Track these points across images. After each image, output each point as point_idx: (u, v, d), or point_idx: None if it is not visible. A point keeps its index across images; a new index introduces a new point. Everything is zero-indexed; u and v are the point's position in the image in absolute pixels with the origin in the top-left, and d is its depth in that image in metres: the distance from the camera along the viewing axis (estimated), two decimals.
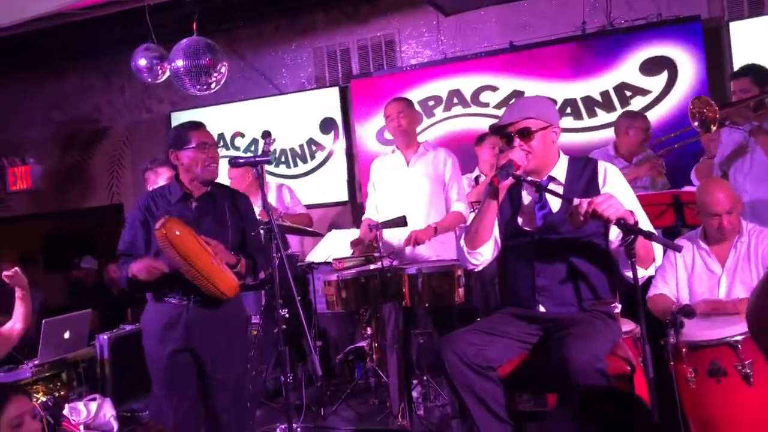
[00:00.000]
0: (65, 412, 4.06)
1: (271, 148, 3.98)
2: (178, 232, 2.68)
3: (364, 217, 4.33)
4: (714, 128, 3.42)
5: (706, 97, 3.54)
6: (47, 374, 4.24)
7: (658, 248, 2.41)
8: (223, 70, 4.64)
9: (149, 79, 5.24)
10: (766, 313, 1.15)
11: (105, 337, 4.51)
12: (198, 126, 3.05)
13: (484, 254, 2.62)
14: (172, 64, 4.56)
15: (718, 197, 3.02)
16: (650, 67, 5.45)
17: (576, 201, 2.27)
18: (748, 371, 2.62)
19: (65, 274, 7.74)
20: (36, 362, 4.19)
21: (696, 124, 3.48)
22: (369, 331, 4.67)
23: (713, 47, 5.35)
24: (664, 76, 5.42)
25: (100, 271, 7.21)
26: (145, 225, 2.95)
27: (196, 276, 2.75)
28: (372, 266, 3.66)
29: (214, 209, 3.02)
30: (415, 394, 4.21)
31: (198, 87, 4.56)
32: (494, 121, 4.34)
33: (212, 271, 2.76)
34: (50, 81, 7.76)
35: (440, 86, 6.09)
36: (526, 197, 2.64)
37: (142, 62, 5.15)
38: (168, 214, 2.84)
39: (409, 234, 3.82)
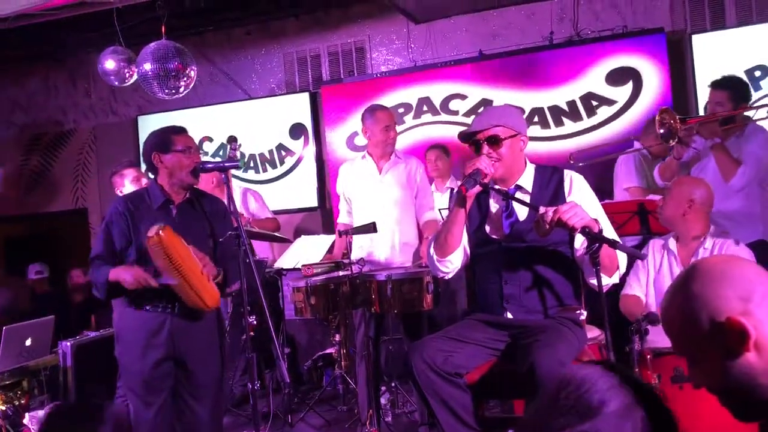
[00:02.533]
0: (26, 421, 3.97)
1: (237, 154, 3.96)
2: (172, 242, 2.66)
3: (338, 221, 4.31)
4: (672, 143, 3.51)
5: (672, 112, 3.60)
6: (7, 382, 4.14)
7: (622, 256, 2.45)
8: (192, 74, 4.60)
9: (116, 83, 5.17)
10: (669, 318, 1.19)
11: (68, 344, 4.41)
12: (182, 130, 3.04)
13: (454, 262, 2.65)
14: (140, 68, 4.51)
15: (673, 196, 3.16)
16: (616, 77, 5.56)
17: (542, 209, 2.30)
18: None
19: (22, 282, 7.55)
20: None
21: (662, 131, 3.56)
22: (338, 337, 4.66)
23: (676, 59, 5.48)
24: (629, 87, 5.53)
25: (59, 278, 7.04)
26: (124, 230, 2.91)
27: (183, 286, 2.73)
28: (341, 272, 3.65)
29: (194, 217, 3.00)
30: (383, 401, 4.21)
31: (166, 91, 4.51)
32: (463, 128, 4.37)
33: (200, 283, 2.76)
34: (12, 82, 7.60)
35: (410, 93, 6.12)
36: (494, 206, 2.66)
37: (110, 65, 5.08)
38: (148, 220, 2.82)
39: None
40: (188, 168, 2.93)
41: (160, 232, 2.63)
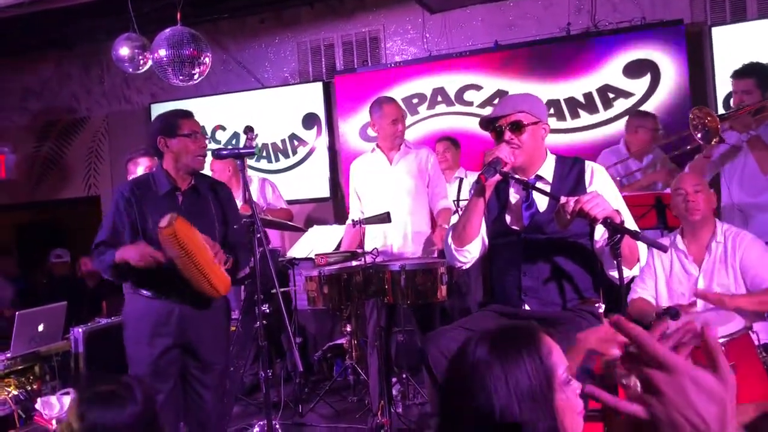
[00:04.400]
0: (37, 406, 3.96)
1: (254, 143, 3.93)
2: (185, 231, 2.64)
3: (348, 222, 4.26)
4: (715, 141, 3.44)
5: (706, 108, 3.54)
6: (20, 367, 4.14)
7: (642, 248, 2.41)
8: (207, 60, 4.57)
9: (130, 70, 5.15)
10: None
11: (80, 330, 4.40)
12: (188, 114, 3.02)
13: (472, 252, 2.61)
14: (155, 54, 4.48)
15: (684, 177, 3.15)
16: (633, 69, 5.49)
17: (563, 199, 2.26)
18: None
19: (41, 267, 7.59)
20: (8, 355, 4.09)
21: (699, 135, 3.48)
22: (349, 328, 4.65)
23: (695, 51, 5.41)
24: (647, 79, 5.46)
25: (72, 264, 7.08)
26: (130, 216, 2.88)
27: (195, 274, 2.71)
28: (354, 263, 3.63)
29: (199, 204, 2.98)
30: (394, 391, 4.19)
31: (181, 77, 4.48)
32: (478, 119, 4.33)
33: (212, 270, 2.74)
34: (26, 69, 7.61)
35: (425, 84, 6.07)
36: (514, 196, 2.62)
37: (124, 52, 5.06)
38: (155, 207, 2.80)
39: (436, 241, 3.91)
40: (194, 153, 2.91)
41: (173, 222, 2.61)
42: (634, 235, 2.20)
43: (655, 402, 0.83)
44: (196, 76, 4.55)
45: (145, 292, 2.92)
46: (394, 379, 4.26)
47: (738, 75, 3.80)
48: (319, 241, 4.83)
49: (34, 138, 7.66)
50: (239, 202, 3.52)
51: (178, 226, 2.61)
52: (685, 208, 3.09)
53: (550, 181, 2.55)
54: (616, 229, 2.19)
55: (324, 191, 6.50)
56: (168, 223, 2.61)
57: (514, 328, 1.28)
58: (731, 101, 4.14)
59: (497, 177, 2.41)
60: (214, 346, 3.00)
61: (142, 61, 5.06)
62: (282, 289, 4.88)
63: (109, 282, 3.13)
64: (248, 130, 3.95)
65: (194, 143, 2.92)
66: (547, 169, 2.58)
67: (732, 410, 0.82)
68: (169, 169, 2.95)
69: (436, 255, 3.95)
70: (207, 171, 5.02)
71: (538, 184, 2.52)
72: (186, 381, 3.00)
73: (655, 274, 3.20)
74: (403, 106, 5.90)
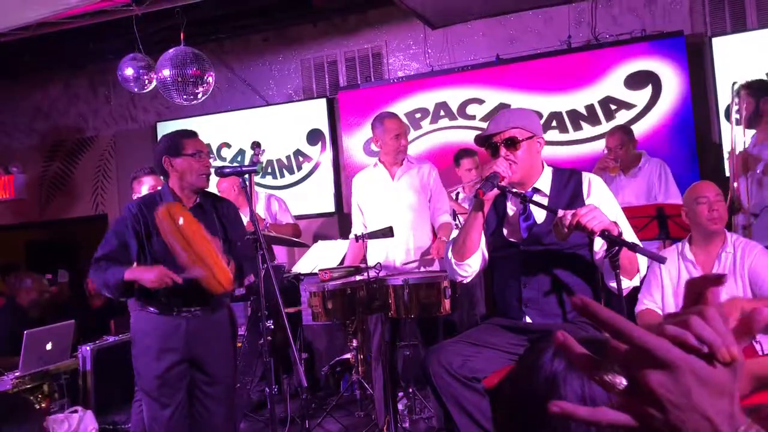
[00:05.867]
0: (47, 424, 4.00)
1: (261, 158, 3.98)
2: (181, 213, 2.69)
3: (351, 236, 4.27)
4: None
5: None
6: (28, 386, 4.19)
7: (642, 259, 2.42)
8: (210, 80, 4.63)
9: (136, 89, 5.22)
10: None
11: (88, 348, 4.45)
12: (193, 134, 3.07)
13: (473, 266, 2.63)
14: (159, 74, 4.55)
15: (704, 185, 3.11)
16: (635, 81, 5.52)
17: (560, 212, 2.28)
18: None
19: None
20: (17, 374, 4.13)
21: None
22: (355, 342, 4.65)
23: (696, 62, 5.43)
24: (648, 90, 5.49)
25: (77, 283, 7.11)
26: (137, 233, 2.92)
27: (196, 261, 2.71)
28: (358, 277, 3.65)
29: (205, 221, 2.99)
30: (400, 406, 4.19)
31: (185, 97, 4.55)
32: (479, 133, 4.37)
33: (214, 260, 2.74)
34: (35, 90, 7.72)
35: (427, 99, 6.12)
36: (511, 209, 2.65)
37: (129, 72, 5.14)
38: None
39: (433, 252, 3.92)
40: (198, 172, 2.95)
41: (168, 206, 2.70)
42: (632, 248, 2.21)
43: (649, 408, 0.66)
44: (199, 95, 4.61)
45: (151, 309, 2.96)
46: (400, 394, 4.26)
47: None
48: (323, 257, 4.86)
49: (43, 158, 7.76)
50: (245, 219, 3.55)
51: (174, 209, 2.69)
52: (709, 217, 3.06)
53: (548, 193, 2.57)
54: (613, 241, 2.20)
55: (329, 206, 6.54)
56: (165, 207, 2.71)
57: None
58: (733, 111, 4.18)
59: (495, 191, 2.43)
60: (221, 360, 3.04)
61: (147, 81, 5.14)
62: (293, 309, 4.92)
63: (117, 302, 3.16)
64: (255, 145, 4.01)
65: (198, 162, 2.96)
66: (544, 181, 2.60)
67: (738, 398, 0.67)
68: (175, 188, 3.00)
69: (435, 266, 3.95)
70: (213, 189, 5.11)
71: (536, 197, 2.53)
72: (194, 396, 3.02)
73: (662, 285, 3.19)
74: (406, 121, 6.00)
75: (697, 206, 3.08)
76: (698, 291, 0.69)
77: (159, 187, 4.06)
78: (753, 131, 4.08)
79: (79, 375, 4.45)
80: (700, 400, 0.65)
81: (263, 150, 4.03)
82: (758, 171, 3.93)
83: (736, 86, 4.07)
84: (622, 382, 0.67)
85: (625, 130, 4.70)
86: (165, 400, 2.94)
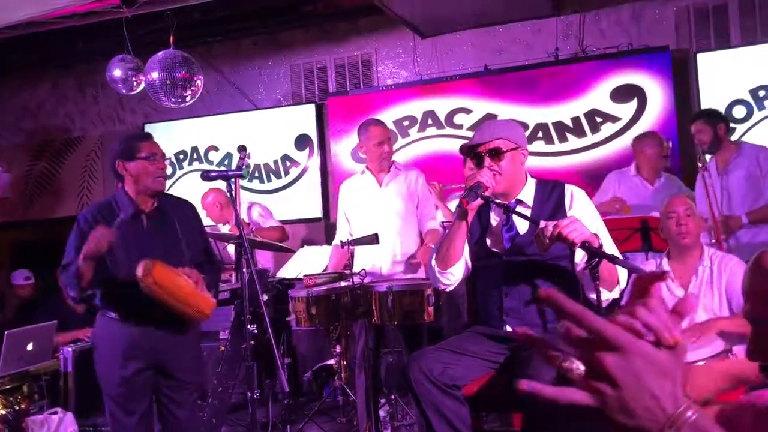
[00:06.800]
0: (25, 425, 3.97)
1: (247, 162, 3.98)
2: (164, 277, 2.64)
3: (334, 243, 4.28)
4: None
5: None
6: (8, 387, 4.15)
7: (623, 271, 2.45)
8: (198, 83, 4.64)
9: (124, 91, 5.21)
10: None
11: (70, 349, 4.43)
12: (148, 137, 3.05)
13: (455, 274, 2.66)
14: (148, 76, 4.55)
15: (674, 200, 3.20)
16: (620, 94, 5.58)
17: (542, 223, 2.31)
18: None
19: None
20: None
21: None
22: (338, 348, 4.66)
23: (681, 77, 5.50)
24: (633, 104, 5.55)
25: (59, 284, 7.00)
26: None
27: (179, 308, 2.73)
28: (343, 283, 3.66)
29: (165, 227, 2.96)
30: (382, 413, 4.20)
31: (173, 100, 4.55)
32: (464, 143, 4.40)
33: (195, 300, 2.76)
34: (22, 89, 7.68)
35: (415, 107, 6.15)
36: (495, 219, 2.68)
37: (117, 73, 5.13)
38: (121, 232, 2.79)
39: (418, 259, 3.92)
40: (154, 175, 2.90)
41: (150, 271, 2.59)
42: (612, 260, 2.25)
43: (605, 388, 0.74)
44: (188, 99, 4.62)
45: (113, 314, 2.89)
46: (382, 400, 4.27)
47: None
48: (309, 262, 4.87)
49: (29, 157, 7.71)
50: (227, 227, 3.54)
51: (155, 274, 2.60)
52: (677, 232, 3.13)
53: (531, 205, 2.61)
54: (593, 253, 2.24)
55: (316, 212, 6.55)
56: (145, 272, 2.60)
57: None
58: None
59: (479, 201, 2.47)
60: (187, 365, 3.00)
61: (135, 83, 5.13)
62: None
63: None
64: (241, 149, 4.01)
65: (153, 165, 2.90)
66: (528, 193, 2.64)
67: (681, 380, 0.76)
68: (131, 192, 2.93)
69: (421, 273, 3.97)
70: (198, 192, 5.11)
71: (519, 208, 2.57)
72: (160, 402, 2.99)
73: None
74: (394, 128, 6.03)
75: (667, 221, 3.15)
76: (644, 286, 0.79)
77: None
78: (709, 156, 4.30)
79: (60, 376, 4.42)
80: (648, 379, 0.73)
81: (249, 154, 4.04)
82: (745, 222, 4.09)
83: (692, 116, 4.35)
84: (578, 367, 0.76)
85: (662, 138, 4.80)
86: (132, 406, 2.90)
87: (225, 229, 4.98)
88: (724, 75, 5.30)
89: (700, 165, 4.26)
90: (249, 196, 6.22)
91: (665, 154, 4.74)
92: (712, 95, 5.26)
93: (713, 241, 4.00)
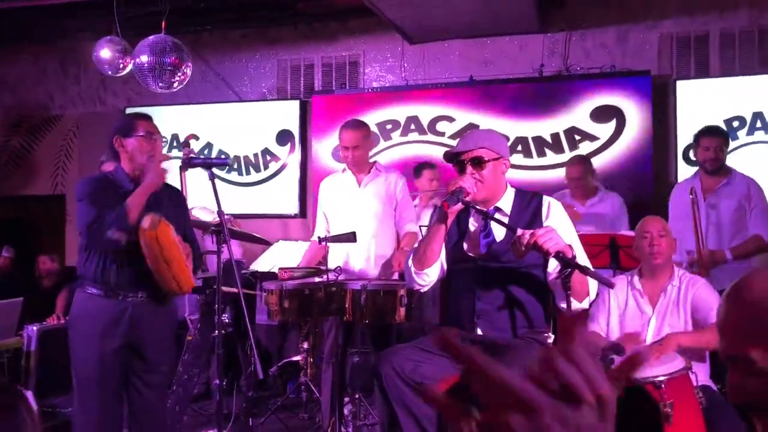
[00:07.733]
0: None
1: (191, 156, 3.91)
2: (166, 236, 2.67)
3: (313, 238, 4.29)
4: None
5: None
6: None
7: (593, 283, 2.52)
8: (187, 71, 4.63)
9: (109, 72, 5.18)
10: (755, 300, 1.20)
11: (34, 328, 4.36)
12: (147, 117, 3.07)
13: (431, 275, 2.70)
14: (137, 59, 4.53)
15: (648, 221, 3.25)
16: (600, 114, 5.70)
17: (519, 231, 2.37)
18: (669, 410, 2.75)
19: None
20: None
21: None
22: (306, 345, 4.67)
23: (660, 101, 5.64)
24: (612, 124, 5.67)
25: (28, 262, 6.92)
26: (111, 195, 2.87)
27: (165, 273, 2.74)
28: (317, 279, 3.68)
29: (156, 205, 2.96)
30: (345, 411, 4.22)
31: (161, 84, 4.54)
32: (448, 149, 4.44)
33: (182, 271, 2.77)
34: (2, 62, 7.55)
35: (399, 111, 6.21)
36: (473, 224, 2.73)
37: (105, 54, 5.09)
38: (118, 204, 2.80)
39: (395, 263, 3.93)
40: (149, 153, 2.92)
41: (157, 225, 2.63)
42: (584, 270, 2.32)
43: None
44: (175, 85, 4.61)
45: (94, 290, 2.88)
46: (346, 399, 4.29)
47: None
48: (283, 257, 4.87)
49: (4, 131, 7.59)
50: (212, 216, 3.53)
51: (161, 230, 2.65)
52: (650, 252, 3.20)
53: (509, 213, 2.67)
54: (567, 263, 2.30)
55: (293, 208, 6.55)
56: (151, 225, 2.63)
57: None
58: (693, 155, 4.41)
59: (459, 206, 2.52)
60: (161, 347, 3.01)
61: (121, 65, 5.10)
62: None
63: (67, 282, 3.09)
64: (185, 144, 3.94)
65: (149, 144, 2.93)
66: (507, 201, 2.70)
67: None
68: (127, 170, 2.96)
69: (396, 277, 4.00)
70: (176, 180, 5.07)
71: (497, 215, 2.63)
72: (130, 383, 2.98)
73: (609, 310, 3.30)
74: (377, 131, 6.07)
75: (641, 240, 3.23)
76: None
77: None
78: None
79: (23, 355, 4.36)
80: None
81: (192, 149, 3.99)
82: (729, 258, 4.09)
83: (707, 130, 4.23)
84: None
85: (586, 160, 4.87)
86: (104, 384, 2.89)
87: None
88: (701, 103, 5.45)
89: (690, 196, 4.04)
90: (226, 187, 6.21)
91: (591, 173, 4.79)
92: (689, 122, 5.39)
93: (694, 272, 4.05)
